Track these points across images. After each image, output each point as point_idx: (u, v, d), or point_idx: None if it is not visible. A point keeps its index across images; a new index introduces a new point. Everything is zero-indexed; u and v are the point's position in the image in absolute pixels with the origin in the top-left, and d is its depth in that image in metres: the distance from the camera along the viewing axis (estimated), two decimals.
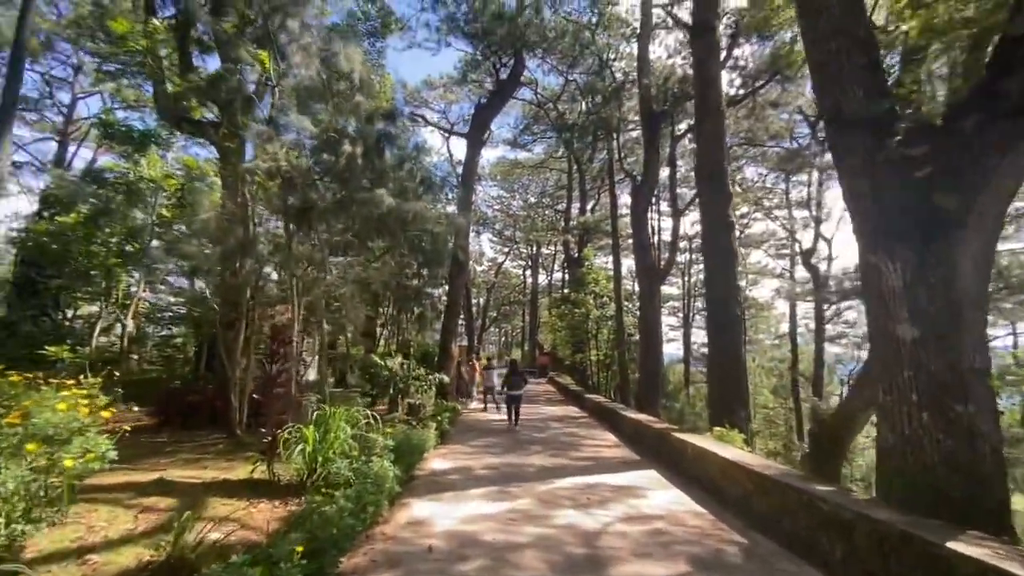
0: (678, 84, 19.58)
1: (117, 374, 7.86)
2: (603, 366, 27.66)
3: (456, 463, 7.64)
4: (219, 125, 9.66)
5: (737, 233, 15.23)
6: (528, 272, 52.02)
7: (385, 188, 9.07)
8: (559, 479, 6.63)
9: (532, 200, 44.73)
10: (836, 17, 4.43)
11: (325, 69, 9.59)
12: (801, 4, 5.00)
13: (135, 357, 15.98)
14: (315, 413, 6.05)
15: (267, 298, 10.57)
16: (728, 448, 6.37)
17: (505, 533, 4.49)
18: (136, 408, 10.71)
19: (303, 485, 5.50)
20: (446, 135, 31.42)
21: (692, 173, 23.84)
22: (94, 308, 15.54)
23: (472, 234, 35.45)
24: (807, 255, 23.87)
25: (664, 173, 22.71)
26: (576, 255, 32.66)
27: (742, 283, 17.84)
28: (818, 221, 24.10)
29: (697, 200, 16.16)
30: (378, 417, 7.15)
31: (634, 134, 27.45)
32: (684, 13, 18.47)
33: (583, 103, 26.43)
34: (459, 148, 56.75)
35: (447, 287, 18.83)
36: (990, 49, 4.48)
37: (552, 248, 46.64)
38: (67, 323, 15.76)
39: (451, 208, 19.88)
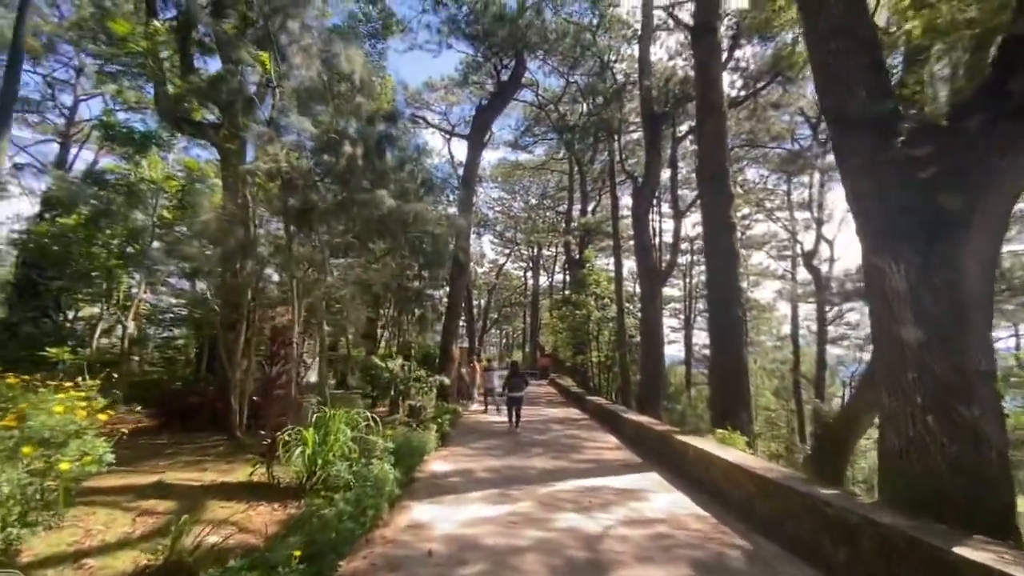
0: (679, 85, 19.57)
1: (115, 376, 7.82)
2: (604, 368, 27.61)
3: (457, 465, 7.60)
4: (220, 126, 9.66)
5: (738, 234, 15.16)
6: (529, 274, 52.02)
7: (386, 189, 9.06)
8: (560, 482, 6.59)
9: (533, 202, 44.73)
10: (838, 16, 4.40)
11: (326, 70, 9.58)
12: (803, 4, 4.97)
13: (136, 359, 15.96)
14: (315, 415, 6.02)
15: (268, 300, 10.56)
16: (730, 451, 6.33)
17: (506, 537, 4.46)
18: (137, 410, 10.69)
19: (302, 488, 5.47)
20: (447, 137, 31.48)
21: (693, 174, 23.86)
22: (95, 309, 15.54)
23: (473, 236, 35.45)
24: (809, 256, 23.81)
25: (665, 174, 22.70)
26: (577, 256, 32.64)
27: (743, 285, 17.77)
28: (820, 222, 24.06)
29: (698, 201, 16.14)
30: (378, 419, 7.12)
31: (635, 135, 27.45)
32: (685, 15, 18.47)
33: (584, 104, 26.43)
34: (460, 150, 56.71)
35: (448, 289, 18.81)
36: (993, 49, 4.46)
37: (553, 250, 46.62)
38: (68, 324, 15.76)
39: (452, 210, 19.90)
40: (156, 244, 12.61)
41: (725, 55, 15.90)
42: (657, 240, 23.51)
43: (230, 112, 8.81)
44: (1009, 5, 4.07)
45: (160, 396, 10.14)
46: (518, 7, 19.22)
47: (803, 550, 4.06)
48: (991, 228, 3.99)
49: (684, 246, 29.79)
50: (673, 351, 36.44)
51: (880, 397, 4.50)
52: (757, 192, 29.14)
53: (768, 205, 29.74)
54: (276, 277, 11.96)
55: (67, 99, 21.64)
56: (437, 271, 15.38)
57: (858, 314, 26.46)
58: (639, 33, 19.78)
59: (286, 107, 8.95)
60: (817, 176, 24.34)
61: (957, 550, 2.85)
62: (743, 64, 19.44)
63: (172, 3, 10.76)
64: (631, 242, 24.20)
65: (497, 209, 45.41)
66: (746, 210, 28.86)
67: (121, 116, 17.50)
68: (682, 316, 37.06)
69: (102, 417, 4.20)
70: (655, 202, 22.57)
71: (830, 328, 25.82)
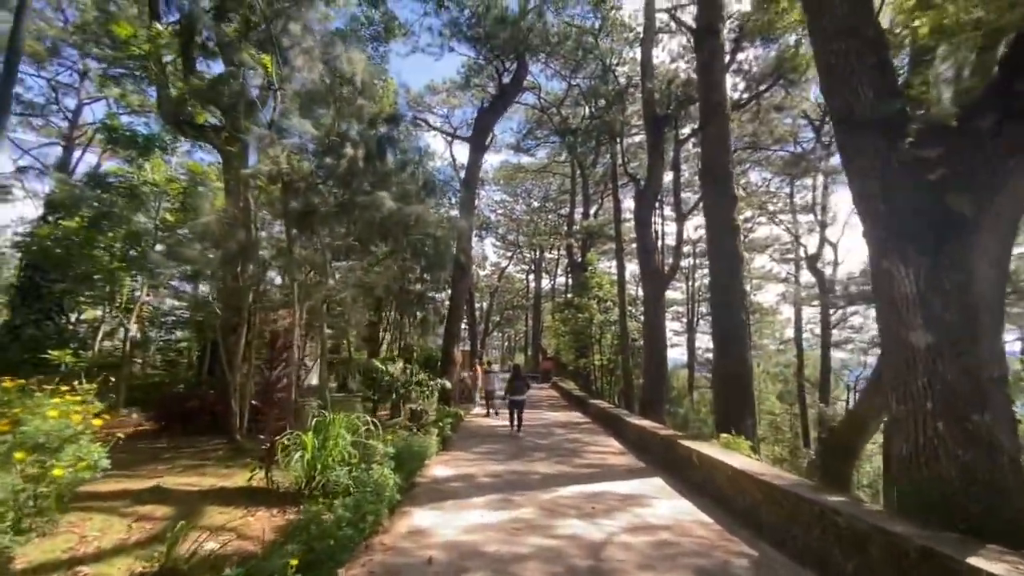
0: (681, 88, 19.51)
1: (113, 379, 7.79)
2: (607, 371, 27.52)
3: (458, 470, 7.53)
4: (221, 129, 9.66)
5: (741, 237, 15.10)
6: (531, 276, 52.02)
7: (387, 192, 9.03)
8: (563, 487, 6.52)
9: (535, 204, 44.72)
10: (843, 16, 4.35)
11: (328, 73, 9.57)
12: (807, 4, 4.92)
13: (138, 361, 15.96)
14: (314, 419, 5.96)
15: (270, 302, 10.53)
16: (735, 456, 6.24)
17: (507, 544, 4.38)
18: (137, 413, 10.66)
19: (301, 493, 5.41)
20: (449, 140, 31.52)
21: (696, 177, 23.78)
22: (97, 312, 15.55)
23: (475, 238, 35.42)
24: (812, 259, 23.68)
25: (668, 177, 22.60)
26: (579, 259, 32.60)
27: (747, 288, 17.67)
28: (823, 225, 23.95)
29: (701, 204, 16.07)
30: (379, 423, 7.06)
31: (637, 138, 27.44)
32: (688, 17, 18.45)
33: (586, 107, 26.42)
34: (462, 153, 56.86)
35: (450, 291, 18.77)
36: (1002, 49, 4.39)
37: (555, 252, 46.59)
38: (71, 327, 15.76)
39: (454, 212, 19.88)
40: (159, 247, 12.62)
41: (728, 57, 15.85)
42: (660, 243, 23.42)
43: (231, 115, 8.80)
44: (1018, 4, 4.00)
45: (160, 399, 10.11)
46: (520, 10, 19.24)
47: (811, 559, 3.97)
48: (1001, 230, 3.92)
49: (687, 249, 29.74)
50: (676, 354, 36.31)
51: (888, 402, 4.41)
52: (760, 195, 29.05)
53: (771, 208, 29.64)
54: (278, 280, 11.94)
55: (71, 103, 21.75)
56: (439, 274, 15.35)
57: (862, 318, 26.34)
58: (641, 36, 19.77)
59: (288, 110, 8.94)
60: (820, 179, 24.28)
61: (971, 561, 2.77)
62: (745, 67, 19.40)
63: (175, 7, 10.80)
64: (633, 245, 24.16)
65: (499, 212, 45.49)
66: (749, 213, 28.78)
67: (124, 119, 17.56)
68: (685, 319, 36.95)
69: (97, 422, 4.15)
70: (657, 205, 22.48)
71: (834, 332, 25.67)
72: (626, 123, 23.96)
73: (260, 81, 9.45)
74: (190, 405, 9.59)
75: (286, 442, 5.58)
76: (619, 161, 23.51)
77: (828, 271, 25.33)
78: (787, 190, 27.74)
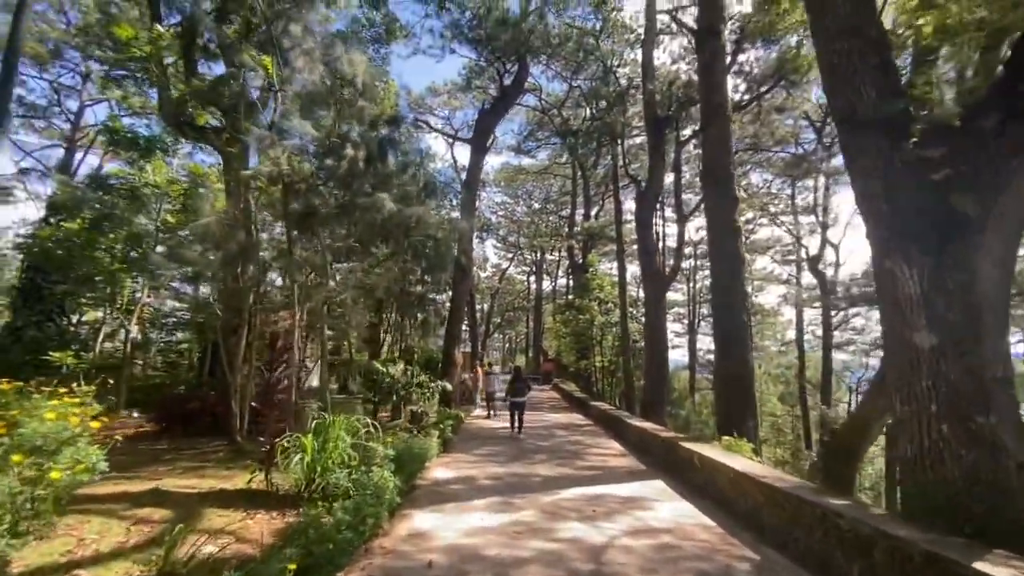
0: (683, 89, 19.50)
1: (111, 381, 7.78)
2: (608, 373, 27.46)
3: (459, 472, 7.50)
4: (222, 131, 9.66)
5: (743, 239, 15.06)
6: (532, 278, 51.97)
7: (388, 193, 9.02)
8: (564, 490, 6.49)
9: (536, 206, 44.68)
10: (847, 16, 4.33)
11: (329, 74, 9.57)
12: (810, 4, 4.90)
13: (139, 363, 15.96)
14: (314, 422, 5.94)
15: (270, 304, 10.53)
16: (737, 458, 6.20)
17: (508, 547, 4.35)
18: (137, 415, 10.65)
19: (301, 496, 5.39)
20: (450, 141, 31.52)
21: (697, 178, 23.74)
22: (99, 314, 15.56)
23: (476, 240, 35.41)
24: (814, 261, 23.62)
25: (669, 178, 22.59)
26: (580, 261, 32.56)
27: (748, 289, 17.61)
28: (825, 226, 23.88)
29: (703, 205, 16.04)
30: (380, 425, 7.04)
31: (638, 140, 27.41)
32: (689, 19, 18.45)
33: (587, 109, 26.41)
34: (463, 154, 56.92)
35: (451, 293, 18.74)
36: (1005, 49, 4.37)
37: (556, 254, 46.54)
38: (72, 329, 15.78)
39: (455, 214, 19.86)
40: (159, 248, 12.63)
41: (728, 59, 15.83)
42: (661, 244, 23.40)
43: (232, 116, 8.80)
44: (1021, 4, 3.98)
45: (161, 401, 10.10)
46: (521, 12, 19.25)
47: (814, 563, 3.94)
48: (1005, 230, 3.89)
49: (688, 250, 29.67)
50: (677, 356, 36.24)
51: (892, 404, 4.38)
52: (761, 196, 29.01)
53: (772, 209, 29.59)
54: (279, 282, 11.93)
55: (73, 105, 21.81)
56: (439, 275, 15.34)
57: (864, 319, 26.27)
58: (642, 37, 19.76)
59: (288, 111, 8.94)
60: (822, 180, 24.22)
61: (977, 565, 2.73)
62: (747, 68, 19.39)
63: (176, 9, 10.83)
64: (634, 246, 24.13)
65: (500, 213, 45.46)
66: (750, 214, 28.74)
67: (126, 121, 17.61)
68: (686, 321, 36.89)
69: (94, 424, 4.12)
70: (659, 206, 22.45)
71: (836, 333, 25.58)
72: (627, 124, 23.94)
73: (261, 82, 9.46)
74: (190, 406, 9.58)
75: (286, 444, 5.55)
76: (620, 163, 23.49)
77: (830, 272, 25.25)
78: (788, 191, 27.70)
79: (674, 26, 20.12)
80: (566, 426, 14.03)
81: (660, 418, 15.36)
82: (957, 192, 3.81)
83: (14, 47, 3.82)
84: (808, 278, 28.06)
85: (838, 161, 22.14)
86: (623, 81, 23.54)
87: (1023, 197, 3.82)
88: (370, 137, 9.43)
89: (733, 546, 4.49)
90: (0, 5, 12.61)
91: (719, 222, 12.35)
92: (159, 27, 9.93)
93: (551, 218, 44.07)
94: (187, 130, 10.65)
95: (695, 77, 17.01)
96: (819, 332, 26.81)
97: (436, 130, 29.63)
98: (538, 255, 47.54)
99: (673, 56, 21.59)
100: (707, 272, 28.02)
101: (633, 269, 28.96)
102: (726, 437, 7.79)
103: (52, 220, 14.66)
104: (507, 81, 20.96)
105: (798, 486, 4.72)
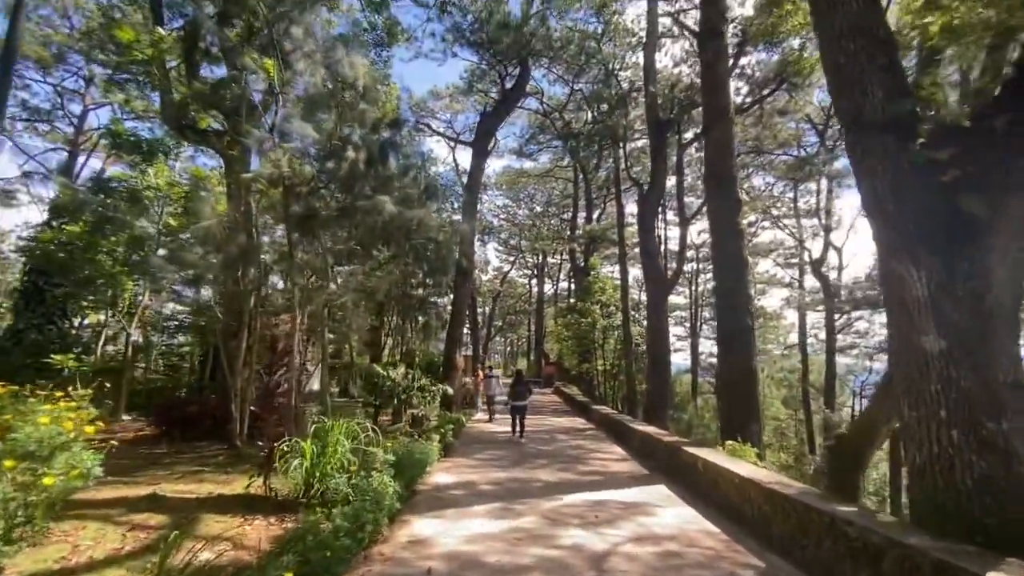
0: (684, 92, 19.51)
1: (109, 385, 7.73)
2: (610, 376, 27.34)
3: (459, 477, 7.43)
4: (223, 133, 9.65)
5: (746, 241, 14.99)
6: (534, 281, 51.91)
7: (389, 196, 8.98)
8: (566, 495, 6.41)
9: (538, 209, 44.68)
10: (854, 15, 4.27)
11: (330, 77, 9.55)
12: (815, 3, 4.85)
13: (141, 366, 15.94)
14: (314, 426, 5.88)
15: (272, 307, 10.49)
16: (741, 464, 6.12)
17: (509, 554, 4.28)
18: (136, 418, 10.60)
19: (300, 501, 5.32)
20: (452, 144, 31.56)
21: (699, 181, 23.73)
22: (100, 317, 15.54)
23: (477, 243, 35.39)
24: (817, 264, 23.52)
25: (671, 181, 22.58)
26: (582, 264, 32.49)
27: (751, 292, 17.50)
28: (828, 229, 23.79)
29: (705, 208, 15.99)
30: (380, 429, 6.98)
31: (640, 143, 27.39)
32: (691, 21, 18.45)
33: (589, 112, 26.41)
34: (465, 157, 56.96)
35: (452, 296, 18.69)
36: (1013, 48, 4.31)
37: (558, 257, 46.51)
38: (73, 332, 15.77)
39: (456, 217, 19.84)
40: (161, 251, 12.61)
41: (731, 61, 15.82)
42: (663, 247, 23.37)
43: (233, 119, 8.79)
44: None
45: (161, 404, 10.04)
46: (522, 15, 19.26)
47: (820, 571, 3.86)
48: (1017, 232, 3.81)
49: (690, 253, 29.61)
50: (678, 359, 36.12)
51: (899, 408, 4.30)
52: (763, 199, 28.95)
53: (775, 212, 29.53)
54: (280, 285, 11.89)
55: (76, 108, 21.90)
56: (441, 278, 15.28)
57: (867, 322, 26.16)
58: (644, 40, 19.76)
59: (290, 114, 8.92)
60: (824, 182, 24.15)
61: (991, 575, 2.66)
62: (749, 71, 19.41)
63: (178, 13, 10.86)
64: (636, 250, 24.07)
65: (502, 216, 45.46)
66: (752, 217, 28.67)
67: (129, 125, 17.63)
68: (688, 324, 36.77)
69: (90, 429, 4.07)
70: (661, 209, 22.43)
71: (839, 336, 25.45)
72: (629, 127, 23.94)
73: (262, 85, 9.45)
74: (190, 410, 9.52)
75: (285, 449, 5.49)
76: (622, 165, 23.47)
77: (833, 275, 25.17)
78: (791, 194, 27.65)
79: (676, 29, 20.14)
80: (568, 430, 13.94)
81: (662, 422, 15.26)
82: (966, 193, 3.74)
83: (12, 46, 3.80)
84: (811, 281, 27.99)
85: (840, 164, 22.10)
86: (625, 84, 23.55)
87: None
88: (371, 140, 9.39)
89: (738, 553, 4.42)
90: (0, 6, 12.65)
91: (722, 224, 12.29)
92: (161, 30, 9.95)
93: (553, 221, 44.06)
94: (189, 133, 10.65)
95: (697, 80, 17.02)
96: (822, 335, 26.68)
97: (438, 133, 29.68)
98: (540, 258, 47.51)
99: (675, 59, 21.70)
100: (709, 275, 27.96)
101: (635, 272, 28.94)
102: (730, 442, 7.71)
103: (54, 223, 14.68)
104: (509, 84, 20.97)
105: (804, 492, 4.64)
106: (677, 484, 7.00)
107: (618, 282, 25.49)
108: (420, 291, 15.19)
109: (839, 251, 25.81)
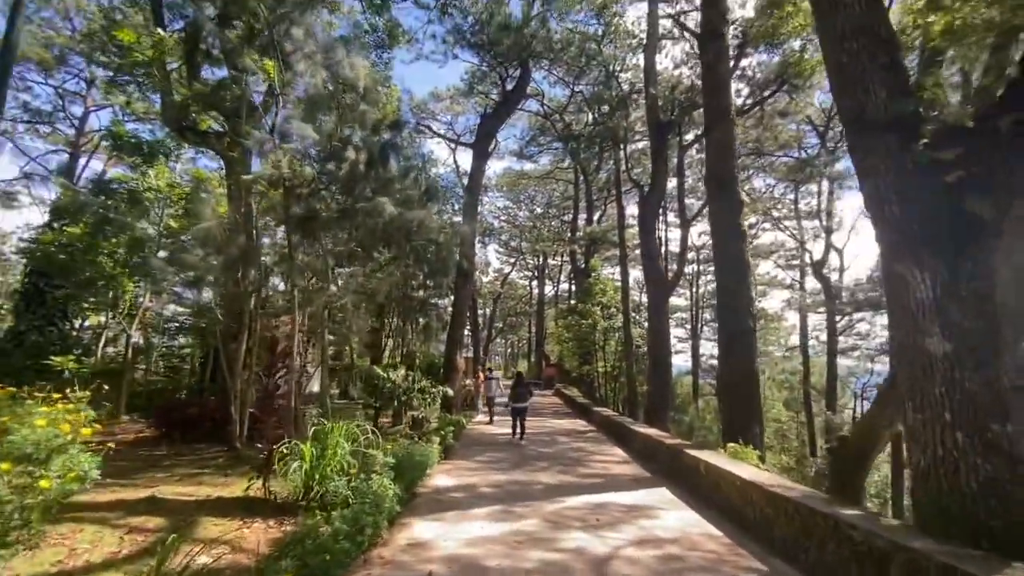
0: (685, 94, 19.49)
1: (107, 387, 7.70)
2: (610, 378, 27.29)
3: (460, 480, 7.40)
4: (224, 135, 9.64)
5: (747, 242, 14.94)
6: (534, 283, 51.88)
7: (389, 197, 8.96)
8: (567, 498, 6.37)
9: (538, 210, 44.67)
10: (857, 15, 4.25)
11: (331, 79, 9.55)
12: (817, 3, 4.83)
13: (141, 368, 15.92)
14: (313, 428, 5.85)
15: (273, 308, 10.46)
16: (744, 466, 6.08)
17: (510, 558, 4.25)
18: (136, 419, 10.57)
19: (299, 504, 5.29)
20: (452, 146, 31.56)
21: (700, 183, 23.70)
22: (101, 318, 15.53)
23: (478, 244, 35.38)
24: (818, 265, 23.48)
25: (672, 183, 22.57)
26: (583, 266, 32.46)
27: (752, 293, 17.44)
28: (829, 231, 23.76)
29: (706, 209, 15.95)
30: (380, 431, 6.95)
31: (641, 144, 27.39)
32: (691, 23, 18.44)
33: (589, 114, 26.42)
34: (465, 160, 57.00)
35: (452, 298, 18.66)
36: (1016, 48, 4.29)
37: (559, 259, 46.47)
38: (74, 333, 15.76)
39: (457, 218, 19.82)
40: (161, 253, 12.59)
41: (732, 63, 15.80)
42: (664, 249, 23.35)
43: (234, 120, 8.78)
44: None
45: (161, 406, 10.02)
46: (523, 17, 19.27)
47: (824, 575, 3.82)
48: (1021, 232, 3.78)
49: (691, 255, 29.57)
50: (679, 361, 36.05)
51: (902, 411, 4.26)
52: (764, 201, 28.92)
53: (775, 214, 29.49)
54: (280, 286, 11.87)
55: (77, 110, 21.94)
56: (441, 280, 15.24)
57: (869, 324, 26.09)
58: (644, 42, 19.76)
59: (290, 115, 8.90)
60: (825, 184, 24.13)
61: None
62: (749, 73, 19.38)
63: (179, 14, 10.87)
64: (637, 251, 24.04)
65: (502, 218, 45.45)
66: (753, 219, 28.64)
67: (129, 126, 17.64)
68: (688, 326, 36.71)
69: (86, 432, 4.04)
70: (661, 211, 22.40)
71: (840, 338, 25.39)
72: (629, 129, 23.93)
73: (263, 87, 9.45)
74: (190, 412, 9.50)
75: (284, 451, 5.46)
76: (623, 167, 23.46)
77: (834, 277, 25.14)
78: (792, 196, 27.62)
79: (676, 31, 20.14)
80: (568, 432, 13.90)
81: (663, 424, 15.21)
82: (970, 194, 3.71)
83: (10, 46, 3.78)
84: (812, 283, 27.94)
85: (841, 165, 22.09)
86: (625, 86, 23.54)
87: None
88: (372, 141, 9.38)
89: (741, 557, 4.38)
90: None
91: (724, 225, 12.26)
92: (162, 32, 9.96)
93: (553, 223, 44.06)
94: (189, 135, 10.65)
95: (697, 82, 17.00)
96: (823, 337, 26.61)
97: (438, 135, 29.67)
98: (540, 259, 47.50)
99: (675, 61, 21.73)
100: (710, 277, 27.97)
101: (636, 274, 28.90)
102: (732, 444, 7.66)
103: (56, 225, 14.68)
104: (509, 86, 20.96)
105: (807, 495, 4.60)
106: (679, 487, 6.96)
107: (619, 284, 25.46)
108: (421, 293, 15.15)
109: (840, 253, 25.80)
